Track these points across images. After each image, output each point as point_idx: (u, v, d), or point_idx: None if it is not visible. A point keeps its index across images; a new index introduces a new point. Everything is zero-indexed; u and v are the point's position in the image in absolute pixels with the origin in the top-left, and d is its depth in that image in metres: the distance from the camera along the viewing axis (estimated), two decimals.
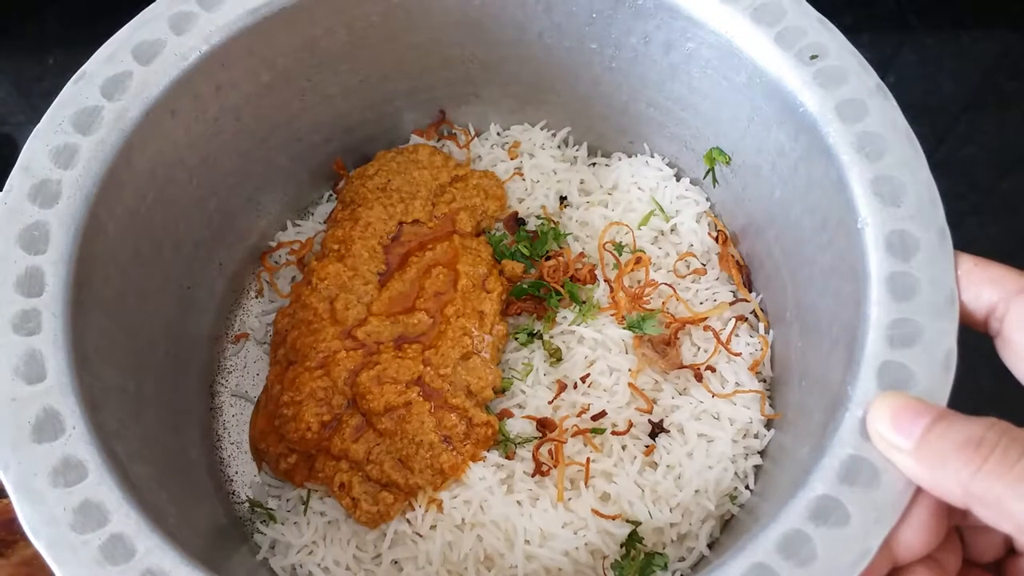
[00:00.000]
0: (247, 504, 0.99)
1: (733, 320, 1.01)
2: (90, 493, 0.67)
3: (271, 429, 0.97)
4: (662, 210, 1.08)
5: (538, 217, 1.09)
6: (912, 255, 0.73)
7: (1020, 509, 0.56)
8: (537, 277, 1.04)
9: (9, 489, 0.66)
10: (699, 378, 0.97)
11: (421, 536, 0.92)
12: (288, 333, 1.01)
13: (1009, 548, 0.71)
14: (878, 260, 0.74)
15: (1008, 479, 0.56)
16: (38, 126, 0.80)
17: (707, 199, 1.09)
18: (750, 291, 1.05)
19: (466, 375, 0.96)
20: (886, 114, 0.79)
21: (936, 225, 0.74)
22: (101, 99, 0.82)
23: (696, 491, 0.92)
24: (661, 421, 0.96)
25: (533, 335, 1.02)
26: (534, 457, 0.94)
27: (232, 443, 1.03)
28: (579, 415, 0.96)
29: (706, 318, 1.01)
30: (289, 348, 1.00)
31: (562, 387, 0.98)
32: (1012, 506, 0.56)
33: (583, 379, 0.98)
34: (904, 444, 0.63)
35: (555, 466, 0.93)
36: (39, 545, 0.64)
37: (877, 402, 0.67)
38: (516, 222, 1.09)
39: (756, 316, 1.03)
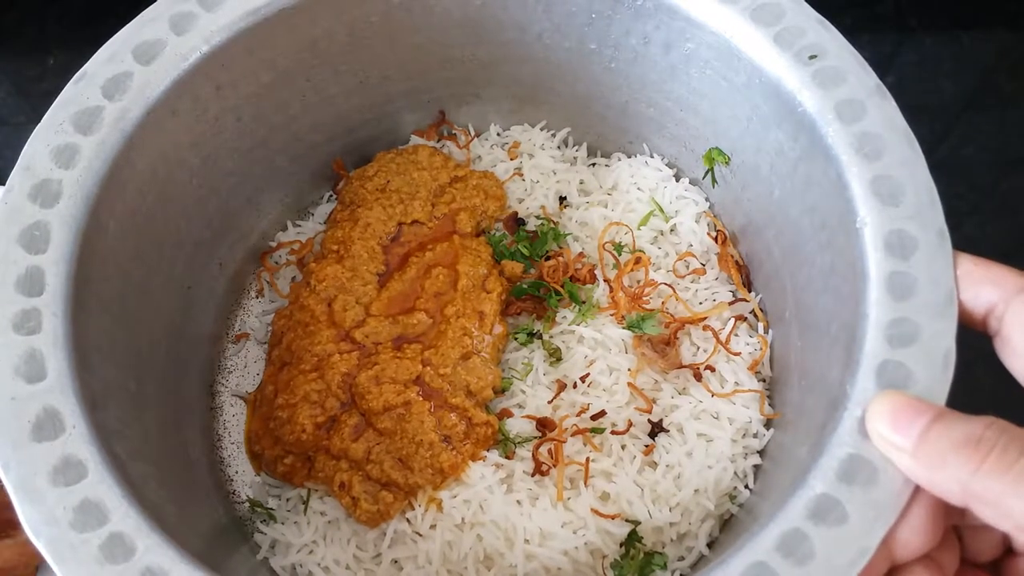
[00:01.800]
0: (247, 504, 0.99)
1: (732, 320, 1.01)
2: (90, 492, 0.67)
3: (266, 431, 0.97)
4: (661, 210, 1.08)
5: (538, 217, 1.10)
6: (911, 255, 0.73)
7: (1020, 508, 0.56)
8: (537, 277, 1.04)
9: (9, 488, 0.66)
10: (698, 378, 0.98)
11: (421, 535, 0.92)
12: (284, 335, 1.01)
13: (1007, 548, 0.71)
14: (877, 260, 0.74)
15: (1008, 478, 0.56)
16: (39, 126, 0.81)
17: (706, 199, 1.09)
18: (749, 291, 1.05)
19: (466, 375, 0.96)
20: (885, 114, 0.79)
21: (935, 225, 0.74)
22: (102, 99, 0.83)
23: (695, 491, 0.92)
24: (660, 421, 0.96)
25: (533, 335, 1.02)
26: (534, 457, 0.94)
27: (232, 443, 1.03)
28: (579, 415, 0.96)
29: (705, 318, 1.01)
30: (284, 350, 1.00)
31: (562, 387, 0.98)
32: (1012, 504, 0.56)
33: (583, 379, 0.98)
34: (903, 443, 0.63)
35: (555, 466, 0.93)
36: (39, 544, 0.65)
37: (876, 401, 0.67)
38: (516, 222, 1.09)
39: (755, 316, 1.03)
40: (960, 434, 0.60)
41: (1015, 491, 0.56)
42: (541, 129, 1.16)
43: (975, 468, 0.58)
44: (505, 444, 0.96)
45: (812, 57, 0.83)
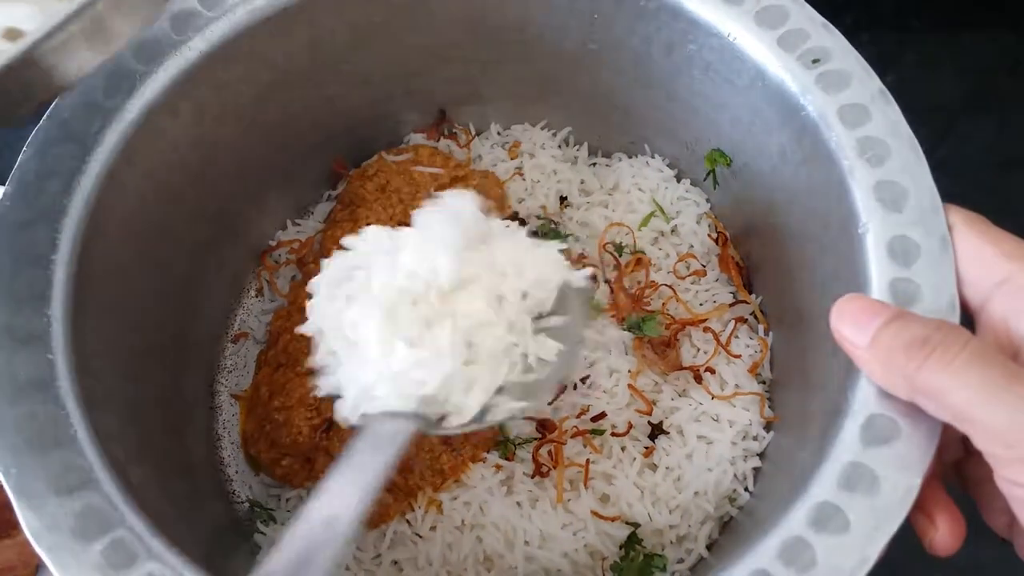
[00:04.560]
0: (247, 504, 0.99)
1: (732, 322, 1.01)
2: (92, 498, 0.67)
3: (261, 434, 0.97)
4: (663, 211, 1.08)
5: (538, 217, 1.09)
6: (913, 261, 0.73)
7: (957, 399, 0.60)
8: None
9: (11, 495, 0.66)
10: (699, 380, 0.98)
11: (421, 537, 0.92)
12: (281, 336, 1.01)
13: (967, 449, 0.73)
14: (879, 266, 0.74)
15: (947, 372, 0.60)
16: (38, 125, 0.80)
17: (707, 200, 1.09)
18: (750, 293, 1.05)
19: None
20: (889, 119, 0.79)
21: (938, 232, 0.74)
22: (101, 98, 0.82)
23: (695, 493, 0.92)
24: (660, 423, 0.96)
25: None
26: (534, 458, 0.94)
27: (232, 443, 1.03)
28: (579, 416, 0.96)
29: (706, 319, 1.01)
30: (280, 351, 0.99)
31: (562, 388, 0.98)
32: (950, 397, 0.60)
33: (583, 380, 0.97)
34: (861, 341, 0.66)
35: (555, 467, 0.93)
36: (41, 551, 0.64)
37: (840, 304, 0.69)
38: (516, 222, 1.09)
39: (756, 318, 1.03)
40: (911, 334, 0.63)
41: (952, 384, 0.60)
42: (542, 128, 1.16)
43: (919, 364, 0.61)
44: (505, 445, 0.95)
45: (815, 61, 0.82)
